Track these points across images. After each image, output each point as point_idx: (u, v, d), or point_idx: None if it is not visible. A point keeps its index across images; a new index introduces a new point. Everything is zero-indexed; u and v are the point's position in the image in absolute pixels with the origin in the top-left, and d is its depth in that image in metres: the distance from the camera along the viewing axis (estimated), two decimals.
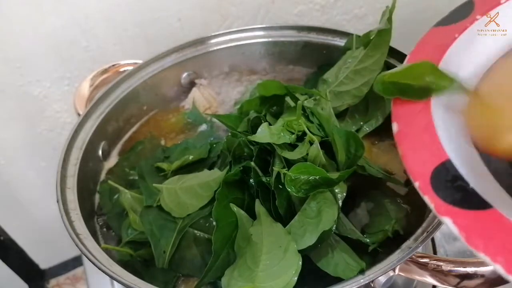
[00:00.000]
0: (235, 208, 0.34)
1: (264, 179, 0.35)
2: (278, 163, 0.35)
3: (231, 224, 0.34)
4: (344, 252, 0.32)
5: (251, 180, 0.36)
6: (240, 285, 0.30)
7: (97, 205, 0.43)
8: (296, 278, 0.29)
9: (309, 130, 0.36)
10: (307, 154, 0.35)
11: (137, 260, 0.38)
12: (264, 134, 0.36)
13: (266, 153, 0.37)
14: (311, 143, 0.35)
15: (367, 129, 0.43)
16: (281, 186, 0.34)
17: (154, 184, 0.40)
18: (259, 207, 0.35)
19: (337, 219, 0.31)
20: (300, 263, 0.29)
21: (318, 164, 0.34)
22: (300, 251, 0.30)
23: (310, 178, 0.32)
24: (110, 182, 0.43)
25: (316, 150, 0.35)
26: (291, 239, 0.31)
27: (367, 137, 0.44)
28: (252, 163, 0.35)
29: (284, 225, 0.33)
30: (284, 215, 0.34)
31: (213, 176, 0.38)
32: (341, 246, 0.33)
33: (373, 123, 0.43)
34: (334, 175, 0.32)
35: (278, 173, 0.34)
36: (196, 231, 0.37)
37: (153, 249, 0.36)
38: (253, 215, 0.35)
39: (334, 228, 0.31)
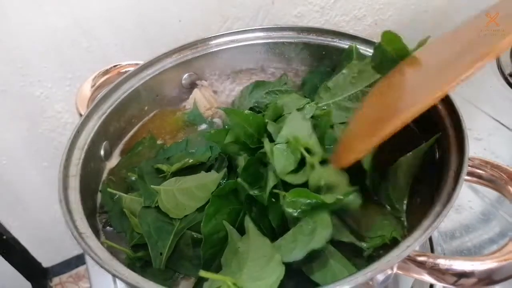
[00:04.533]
0: (229, 227, 0.35)
1: (253, 192, 0.35)
2: (273, 179, 0.35)
3: (221, 238, 0.35)
4: (337, 262, 0.32)
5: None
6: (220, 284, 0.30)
7: (99, 204, 0.44)
8: (278, 283, 0.29)
9: (308, 152, 0.35)
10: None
11: (136, 260, 0.38)
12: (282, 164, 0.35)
13: (258, 163, 0.37)
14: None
15: None
16: (274, 200, 0.34)
17: (152, 186, 0.40)
18: (248, 223, 0.35)
19: (332, 226, 0.31)
20: (283, 272, 0.30)
21: (323, 183, 0.34)
22: (288, 264, 0.30)
23: (309, 201, 0.33)
24: (109, 189, 0.43)
25: (317, 174, 0.35)
26: (276, 252, 0.31)
27: None
28: (239, 180, 0.35)
29: (275, 238, 0.33)
30: (277, 228, 0.34)
31: (210, 178, 0.39)
32: (334, 257, 0.33)
33: None
34: (331, 199, 0.32)
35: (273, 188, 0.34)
36: (193, 233, 0.38)
37: (150, 250, 0.37)
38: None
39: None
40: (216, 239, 0.35)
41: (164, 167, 0.43)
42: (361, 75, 0.44)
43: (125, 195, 0.42)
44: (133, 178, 0.44)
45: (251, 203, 0.36)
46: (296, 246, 0.31)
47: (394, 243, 0.34)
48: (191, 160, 0.43)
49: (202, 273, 0.29)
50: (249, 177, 0.36)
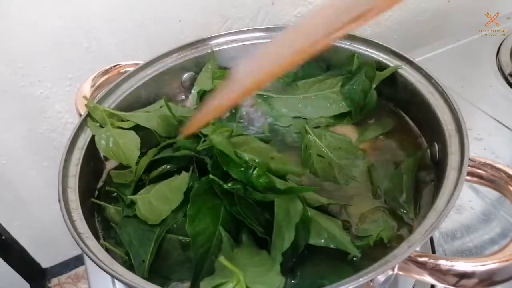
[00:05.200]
0: (224, 233, 0.35)
1: (227, 186, 0.35)
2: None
3: (208, 236, 0.35)
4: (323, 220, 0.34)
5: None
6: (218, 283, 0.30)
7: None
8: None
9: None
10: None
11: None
12: None
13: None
14: None
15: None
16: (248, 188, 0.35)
17: (128, 196, 0.40)
18: (244, 234, 0.35)
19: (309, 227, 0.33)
20: (283, 282, 0.30)
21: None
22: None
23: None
24: (94, 200, 0.42)
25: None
26: (274, 262, 0.31)
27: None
28: (211, 176, 0.36)
29: (266, 227, 0.34)
30: (264, 224, 0.35)
31: (180, 179, 0.39)
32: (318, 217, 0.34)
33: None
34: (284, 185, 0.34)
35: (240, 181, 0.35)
36: (180, 237, 0.37)
37: (133, 259, 0.37)
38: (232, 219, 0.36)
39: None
40: (203, 238, 0.35)
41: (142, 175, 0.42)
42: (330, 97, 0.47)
43: (109, 205, 0.42)
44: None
45: (229, 195, 0.36)
46: (284, 232, 0.32)
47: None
48: (169, 166, 0.42)
49: (221, 259, 0.29)
50: (219, 173, 0.37)
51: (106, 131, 0.43)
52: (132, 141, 0.43)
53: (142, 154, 0.43)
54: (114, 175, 0.43)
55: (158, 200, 0.38)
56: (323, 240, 0.34)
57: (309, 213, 0.34)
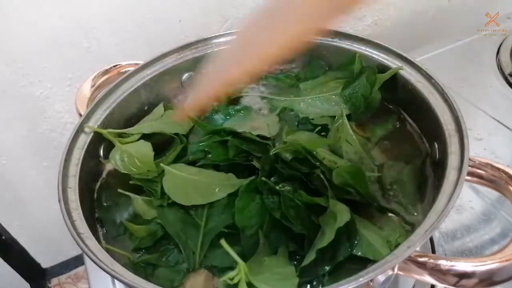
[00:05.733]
0: (261, 237, 0.36)
1: (278, 187, 0.37)
2: None
3: (256, 232, 0.37)
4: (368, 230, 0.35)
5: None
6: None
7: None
8: None
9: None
10: None
11: (141, 264, 0.38)
12: None
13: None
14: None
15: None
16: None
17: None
18: (281, 247, 0.36)
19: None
20: None
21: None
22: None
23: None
24: (120, 190, 0.42)
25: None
26: (294, 278, 0.32)
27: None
28: (263, 178, 0.38)
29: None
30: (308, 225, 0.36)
31: (234, 181, 0.40)
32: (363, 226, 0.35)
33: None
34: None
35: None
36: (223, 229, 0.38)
37: (183, 250, 0.38)
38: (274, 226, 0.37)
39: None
40: (251, 231, 0.36)
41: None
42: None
43: (136, 196, 0.41)
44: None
45: (275, 196, 0.38)
46: (325, 232, 0.33)
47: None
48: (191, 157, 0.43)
49: (222, 242, 0.32)
50: (267, 174, 0.39)
51: (117, 150, 0.43)
52: (144, 147, 0.43)
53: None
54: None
55: (195, 186, 0.39)
56: (364, 252, 0.34)
57: (357, 225, 0.35)
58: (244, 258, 0.33)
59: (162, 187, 0.40)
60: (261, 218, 0.37)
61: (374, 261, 0.33)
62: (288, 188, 0.38)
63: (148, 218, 0.40)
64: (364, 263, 0.34)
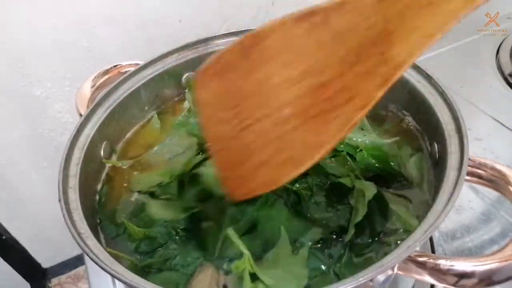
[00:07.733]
0: (283, 233, 0.36)
1: (295, 187, 0.39)
2: None
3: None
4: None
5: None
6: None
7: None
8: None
9: None
10: None
11: (144, 268, 0.38)
12: None
13: None
14: None
15: None
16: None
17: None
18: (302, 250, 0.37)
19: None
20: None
21: None
22: None
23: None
24: (138, 197, 0.43)
25: None
26: (304, 278, 0.33)
27: None
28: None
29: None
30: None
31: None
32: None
33: None
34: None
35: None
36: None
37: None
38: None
39: None
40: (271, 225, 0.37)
41: None
42: None
43: (152, 199, 0.42)
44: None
45: (292, 196, 0.39)
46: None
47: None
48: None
49: (229, 231, 0.33)
50: None
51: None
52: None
53: None
54: (136, 181, 0.44)
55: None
56: (396, 224, 0.36)
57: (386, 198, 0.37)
58: (262, 252, 0.34)
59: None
60: (280, 212, 0.38)
61: (406, 232, 0.35)
62: (305, 186, 0.39)
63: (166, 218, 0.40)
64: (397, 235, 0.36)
